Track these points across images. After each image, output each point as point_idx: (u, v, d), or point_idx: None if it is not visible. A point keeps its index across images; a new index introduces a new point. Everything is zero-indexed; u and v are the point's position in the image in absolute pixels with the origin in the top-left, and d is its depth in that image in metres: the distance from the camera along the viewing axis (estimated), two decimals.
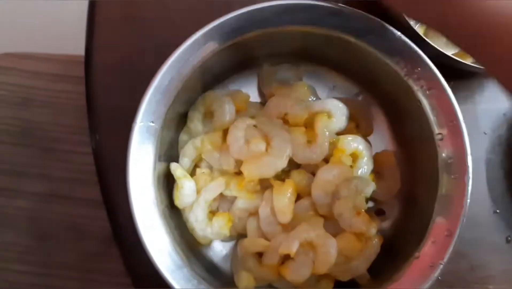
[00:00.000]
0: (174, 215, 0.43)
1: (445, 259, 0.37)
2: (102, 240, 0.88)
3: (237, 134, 0.40)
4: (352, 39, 0.41)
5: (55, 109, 0.95)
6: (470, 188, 0.37)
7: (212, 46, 0.40)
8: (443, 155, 0.39)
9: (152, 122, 0.38)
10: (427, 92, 0.39)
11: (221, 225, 0.42)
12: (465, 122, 0.39)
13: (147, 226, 0.37)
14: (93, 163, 0.49)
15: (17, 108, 0.95)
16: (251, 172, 0.40)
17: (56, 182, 0.93)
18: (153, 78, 0.38)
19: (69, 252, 0.90)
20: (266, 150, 0.41)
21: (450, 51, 0.44)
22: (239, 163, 0.42)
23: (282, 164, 0.40)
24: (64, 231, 0.91)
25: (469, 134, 0.38)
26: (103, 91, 0.48)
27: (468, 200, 0.37)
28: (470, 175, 0.38)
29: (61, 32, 1.01)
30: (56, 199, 0.92)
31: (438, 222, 0.38)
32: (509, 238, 0.47)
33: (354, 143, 0.43)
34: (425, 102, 0.40)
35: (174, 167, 0.42)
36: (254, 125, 0.41)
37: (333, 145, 0.42)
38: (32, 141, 0.94)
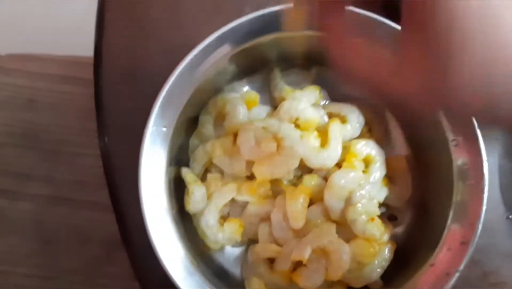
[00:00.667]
0: (185, 220, 0.43)
1: (461, 267, 0.36)
2: (107, 243, 0.88)
3: (248, 136, 0.40)
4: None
5: (60, 111, 0.94)
6: (486, 195, 0.37)
7: (225, 50, 0.39)
8: (458, 161, 0.38)
9: (164, 127, 0.38)
10: None
11: (232, 230, 0.41)
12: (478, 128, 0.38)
13: (158, 232, 0.37)
14: (98, 166, 0.48)
15: (21, 110, 0.95)
16: (263, 172, 0.40)
17: (61, 185, 0.92)
18: (166, 83, 0.38)
19: (74, 255, 0.90)
20: (277, 150, 0.41)
21: None
22: (250, 166, 0.41)
23: (294, 164, 0.40)
24: (69, 234, 0.91)
25: (483, 141, 0.38)
26: (112, 93, 0.48)
27: (485, 207, 0.37)
28: (487, 182, 0.37)
29: (66, 33, 1.01)
30: (61, 202, 0.92)
31: (453, 229, 0.38)
32: None
33: (367, 148, 0.42)
34: None
35: (185, 172, 0.42)
36: (264, 128, 0.41)
37: (345, 150, 0.42)
38: (36, 143, 0.94)
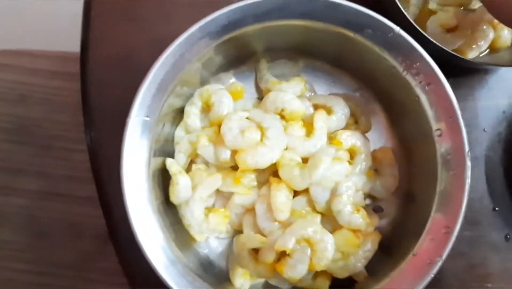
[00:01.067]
0: (170, 211, 0.43)
1: (444, 256, 0.36)
2: (99, 238, 0.88)
3: (231, 125, 0.40)
4: (350, 33, 0.40)
5: (52, 106, 0.94)
6: (468, 184, 0.37)
7: (208, 40, 0.39)
8: (442, 150, 0.38)
9: (147, 116, 0.38)
10: (426, 87, 0.39)
11: (217, 221, 0.41)
12: (464, 119, 0.38)
13: (140, 221, 0.37)
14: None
15: (13, 106, 0.94)
16: (246, 162, 0.39)
17: (53, 180, 0.92)
18: (148, 72, 0.38)
19: (67, 250, 0.90)
20: (261, 140, 0.41)
21: (449, 47, 0.44)
22: (235, 157, 0.41)
23: (278, 154, 0.40)
24: (62, 229, 0.91)
25: (468, 131, 0.38)
26: (99, 86, 0.48)
27: (467, 197, 0.37)
28: (469, 171, 0.37)
29: (58, 28, 1.01)
30: (53, 197, 0.92)
31: (437, 219, 0.37)
32: (508, 236, 0.47)
33: (352, 138, 0.42)
34: (423, 98, 0.39)
35: (169, 162, 0.42)
36: (248, 118, 0.41)
37: (330, 140, 0.42)
38: (29, 138, 0.94)
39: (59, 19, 1.00)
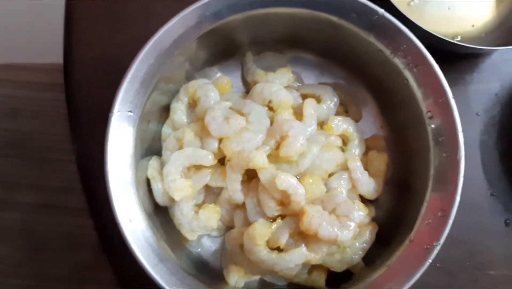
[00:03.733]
0: (161, 213, 0.42)
1: (441, 241, 0.35)
2: (95, 248, 0.86)
3: (215, 114, 0.39)
4: (335, 19, 0.39)
5: (44, 118, 0.93)
6: (463, 164, 0.36)
7: (190, 32, 0.38)
8: (434, 133, 0.37)
9: (130, 111, 0.37)
10: (414, 69, 0.38)
11: (208, 217, 0.40)
12: (457, 104, 0.37)
13: (127, 221, 0.36)
14: None
15: (5, 120, 0.94)
16: (232, 148, 0.39)
17: (48, 192, 0.91)
18: (130, 66, 0.37)
19: (63, 263, 0.88)
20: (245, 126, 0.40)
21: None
22: (220, 146, 0.40)
23: (262, 137, 0.39)
24: (57, 242, 0.90)
25: (461, 116, 0.37)
26: (83, 87, 0.47)
27: (462, 178, 0.36)
28: (463, 151, 0.36)
29: (47, 40, 1.00)
30: (49, 209, 0.91)
31: (432, 202, 0.36)
32: (508, 221, 0.46)
33: (343, 124, 0.42)
34: (412, 80, 0.38)
35: (149, 165, 0.41)
36: (231, 107, 0.40)
37: (321, 126, 0.41)
38: (22, 152, 0.93)
39: (46, 31, 0.99)
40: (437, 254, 0.35)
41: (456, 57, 0.48)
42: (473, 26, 0.49)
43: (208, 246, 0.44)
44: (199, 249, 0.44)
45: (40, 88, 0.95)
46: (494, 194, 0.46)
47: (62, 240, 0.90)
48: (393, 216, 0.43)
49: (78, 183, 0.91)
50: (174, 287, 0.35)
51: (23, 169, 0.93)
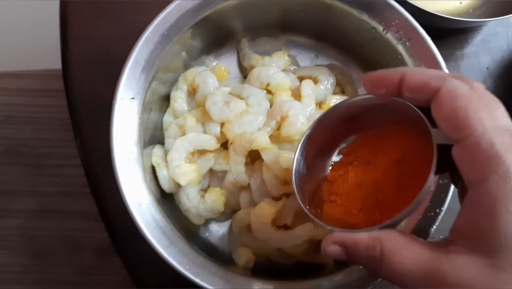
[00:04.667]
0: (167, 201, 0.42)
1: (444, 207, 0.36)
2: (97, 251, 0.87)
3: (215, 99, 0.40)
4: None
5: (40, 124, 0.94)
6: None
7: (187, 18, 0.39)
8: None
9: (133, 98, 0.38)
10: (407, 43, 0.39)
11: (213, 200, 0.41)
12: None
13: (137, 205, 0.36)
14: (82, 175, 0.47)
15: (1, 127, 0.94)
16: (234, 130, 0.39)
17: (47, 197, 0.92)
18: (130, 53, 0.38)
19: (66, 267, 0.89)
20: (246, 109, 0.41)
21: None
22: (222, 130, 0.41)
23: (263, 119, 0.40)
24: (59, 246, 0.90)
25: None
26: (81, 83, 0.47)
27: None
28: None
29: (40, 47, 1.01)
30: (48, 215, 0.91)
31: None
32: None
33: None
34: (406, 55, 0.39)
35: (153, 152, 0.42)
36: (230, 92, 0.41)
37: (319, 106, 0.42)
38: (19, 159, 0.93)
39: (40, 37, 1.00)
40: (439, 226, 0.36)
41: (445, 33, 0.49)
42: (460, 3, 0.50)
43: (215, 230, 0.45)
44: (207, 234, 0.44)
45: (34, 94, 0.95)
46: None
47: (64, 244, 0.90)
48: None
49: (76, 186, 0.92)
50: (187, 266, 0.35)
51: (19, 176, 0.93)
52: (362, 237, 0.27)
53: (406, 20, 0.39)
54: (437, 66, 0.38)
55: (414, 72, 0.27)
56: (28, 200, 0.92)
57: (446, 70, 0.38)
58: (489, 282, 0.23)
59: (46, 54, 0.94)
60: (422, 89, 0.26)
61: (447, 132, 0.25)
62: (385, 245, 0.26)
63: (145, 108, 0.40)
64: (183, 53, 0.43)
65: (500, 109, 0.24)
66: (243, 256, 0.41)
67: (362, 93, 0.31)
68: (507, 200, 0.22)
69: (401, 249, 0.25)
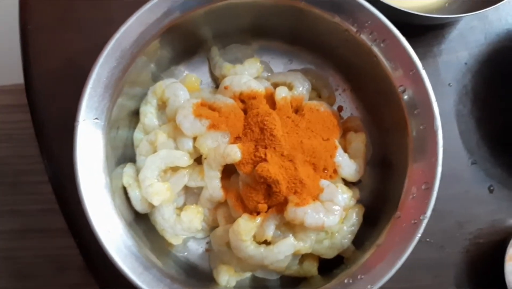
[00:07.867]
0: (142, 221, 0.41)
1: (428, 213, 0.35)
2: (83, 269, 0.84)
3: (186, 112, 0.38)
4: (298, 3, 0.39)
5: (15, 141, 0.91)
6: (441, 135, 0.36)
7: (150, 31, 0.37)
8: (409, 106, 0.37)
9: (97, 118, 0.36)
10: (381, 44, 0.37)
11: (190, 218, 0.39)
12: (428, 77, 0.37)
13: (106, 232, 0.35)
14: None
15: None
16: (208, 145, 0.38)
17: (28, 216, 0.89)
18: (91, 72, 0.35)
19: (51, 287, 0.86)
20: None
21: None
22: (195, 144, 0.39)
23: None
24: (43, 266, 0.87)
25: (434, 88, 0.37)
26: (46, 99, 0.45)
27: (441, 148, 0.35)
28: (439, 122, 0.36)
29: (5, 61, 0.98)
30: (30, 234, 0.88)
31: (414, 176, 0.36)
32: (492, 188, 0.46)
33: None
34: (380, 56, 0.38)
35: (124, 172, 0.40)
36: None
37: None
38: None
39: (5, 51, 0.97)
40: (427, 229, 0.35)
41: (421, 30, 0.47)
42: None
43: (194, 248, 0.43)
44: (186, 253, 0.43)
45: (8, 110, 0.92)
46: (475, 162, 0.46)
47: (47, 264, 0.88)
48: (378, 196, 0.42)
49: (55, 203, 0.89)
50: None
51: None
52: None
53: (379, 21, 0.37)
54: (413, 66, 0.37)
55: None
56: (7, 219, 0.89)
57: (423, 70, 0.36)
58: None
59: (15, 69, 0.91)
60: None
61: None
62: None
63: (112, 126, 0.38)
64: (152, 65, 0.41)
65: None
66: (224, 275, 0.40)
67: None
68: None
69: None
